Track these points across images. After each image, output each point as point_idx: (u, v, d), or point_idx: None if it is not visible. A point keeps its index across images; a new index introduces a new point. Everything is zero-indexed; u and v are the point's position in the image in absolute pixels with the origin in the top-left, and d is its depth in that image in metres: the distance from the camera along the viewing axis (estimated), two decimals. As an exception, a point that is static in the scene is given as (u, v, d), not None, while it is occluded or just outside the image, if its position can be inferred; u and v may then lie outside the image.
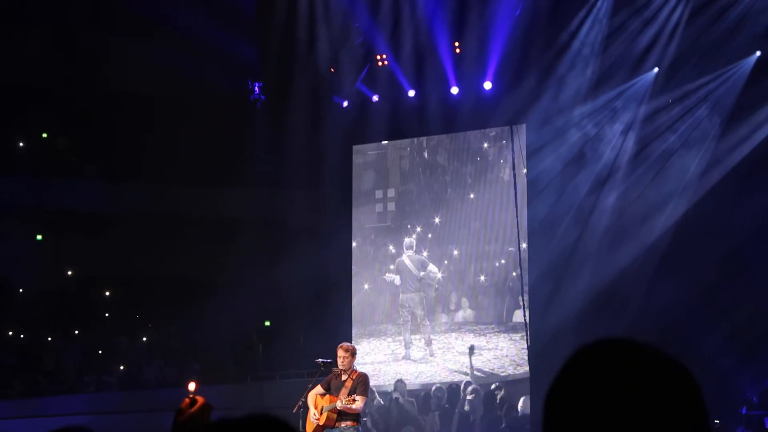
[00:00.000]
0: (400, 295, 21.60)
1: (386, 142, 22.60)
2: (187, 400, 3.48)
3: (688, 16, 19.76)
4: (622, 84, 20.33)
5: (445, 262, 21.40)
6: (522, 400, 19.99)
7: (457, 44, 21.66)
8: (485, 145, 21.55)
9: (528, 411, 19.88)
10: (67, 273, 31.55)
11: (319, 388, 14.14)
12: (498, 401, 20.20)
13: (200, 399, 3.53)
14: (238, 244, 26.39)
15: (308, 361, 16.63)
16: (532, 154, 20.72)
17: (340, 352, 14.10)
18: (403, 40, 22.05)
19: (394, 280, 21.72)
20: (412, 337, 21.43)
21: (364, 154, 22.83)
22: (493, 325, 20.84)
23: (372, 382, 21.18)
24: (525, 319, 20.07)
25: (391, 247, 22.01)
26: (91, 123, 30.33)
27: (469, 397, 20.43)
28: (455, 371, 20.85)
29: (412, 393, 21.00)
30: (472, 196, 21.41)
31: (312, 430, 13.95)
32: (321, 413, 13.83)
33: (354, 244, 22.44)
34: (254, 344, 27.03)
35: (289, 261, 23.24)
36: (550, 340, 19.48)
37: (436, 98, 21.94)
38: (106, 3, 28.75)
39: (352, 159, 22.83)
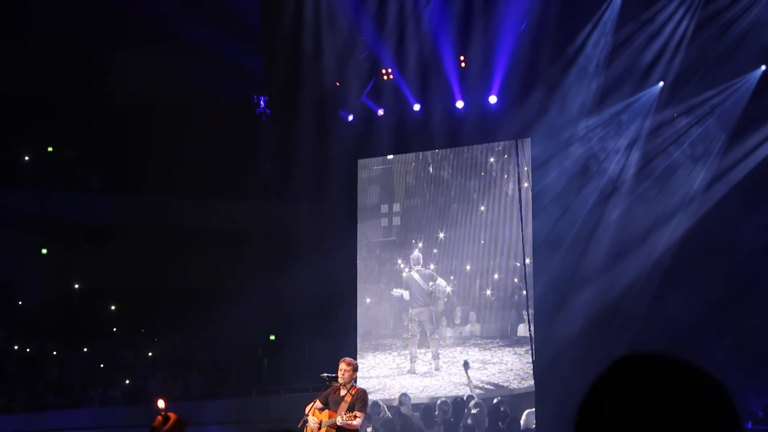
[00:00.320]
0: (410, 310, 21.59)
1: (391, 157, 22.60)
2: (159, 417, 3.43)
3: (694, 29, 19.75)
4: (627, 98, 20.32)
5: (451, 276, 21.39)
6: (525, 414, 19.97)
7: (462, 58, 21.66)
8: (490, 159, 21.54)
9: (530, 425, 19.84)
10: (72, 285, 31.56)
11: (317, 403, 14.09)
12: (502, 415, 20.18)
13: (172, 416, 3.49)
14: (243, 256, 26.41)
15: (313, 375, 16.59)
16: (537, 168, 20.70)
17: (342, 366, 14.07)
18: (408, 53, 22.06)
19: (402, 295, 21.72)
20: (418, 351, 21.42)
21: (369, 169, 22.83)
22: (497, 340, 20.82)
23: (377, 396, 21.22)
24: (530, 334, 20.05)
25: (399, 261, 21.98)
26: (96, 135, 30.38)
27: (473, 411, 20.41)
28: (460, 385, 20.83)
29: (417, 407, 20.99)
30: (477, 210, 21.39)
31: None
32: (320, 429, 13.79)
33: (359, 258, 22.43)
34: (259, 358, 27.02)
35: (294, 274, 23.23)
36: (554, 355, 19.47)
37: (442, 112, 21.94)
38: (112, 15, 28.79)
39: (357, 173, 22.83)
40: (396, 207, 22.43)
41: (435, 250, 21.64)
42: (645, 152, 20.24)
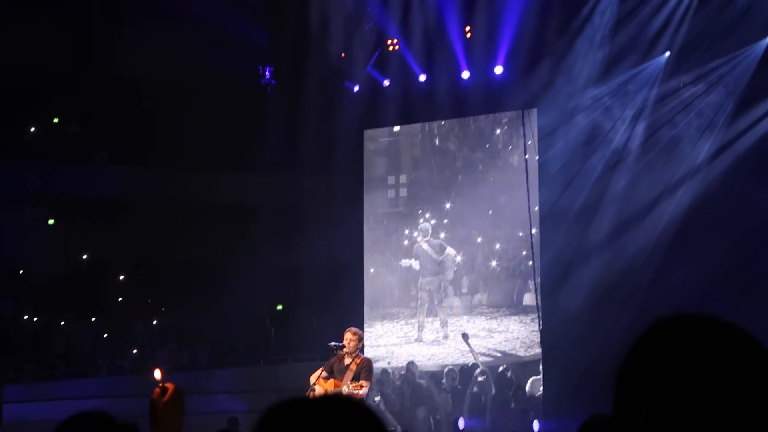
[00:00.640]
0: (420, 279, 21.71)
1: (398, 128, 22.63)
2: (157, 389, 3.45)
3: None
4: (633, 68, 20.30)
5: (457, 246, 21.47)
6: (531, 381, 20.12)
7: (468, 28, 21.65)
8: (496, 130, 21.57)
9: (536, 392, 19.99)
10: (79, 257, 31.64)
11: (322, 372, 14.13)
12: (508, 382, 20.33)
13: (170, 386, 3.51)
14: (249, 229, 26.45)
15: (320, 345, 16.67)
16: (543, 139, 20.72)
17: (348, 335, 14.13)
18: (413, 24, 22.04)
19: (411, 265, 21.81)
20: (426, 319, 21.54)
21: (375, 141, 22.87)
22: (503, 308, 20.95)
23: (384, 364, 21.36)
24: (537, 303, 20.15)
25: (406, 232, 22.07)
26: (101, 109, 30.36)
27: (479, 379, 20.55)
28: (467, 353, 20.96)
29: (425, 374, 21.13)
30: (483, 181, 21.46)
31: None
32: (326, 397, 13.86)
33: (366, 228, 22.50)
34: (267, 328, 27.13)
35: (301, 245, 23.30)
36: (560, 323, 19.58)
37: (447, 83, 21.93)
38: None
39: (363, 143, 22.86)
40: (402, 178, 22.49)
41: (442, 221, 21.71)
42: (651, 122, 20.24)
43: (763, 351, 1.89)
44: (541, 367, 20.09)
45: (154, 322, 29.78)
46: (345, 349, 14.03)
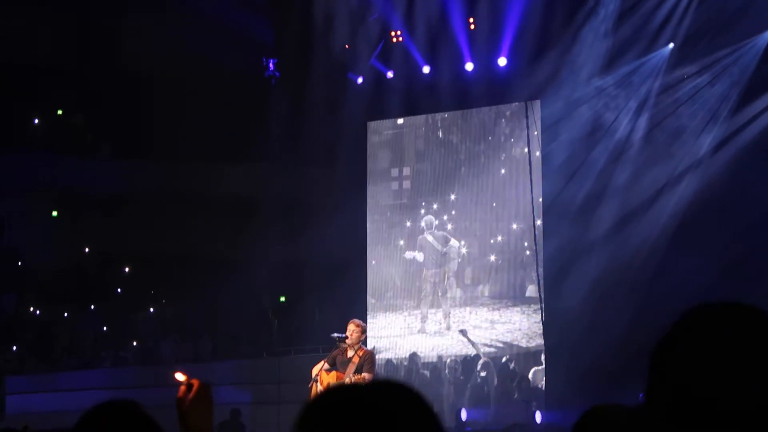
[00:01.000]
0: (424, 271, 21.72)
1: (401, 121, 22.63)
2: (182, 387, 3.42)
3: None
4: (637, 59, 20.28)
5: (460, 238, 21.49)
6: (533, 371, 20.15)
7: (471, 20, 21.63)
8: (499, 122, 21.58)
9: (537, 383, 20.01)
10: (83, 249, 31.68)
11: (324, 364, 14.10)
12: (511, 373, 20.37)
13: (195, 382, 3.48)
14: (252, 221, 26.46)
15: (323, 336, 16.65)
16: (546, 131, 20.72)
17: (351, 327, 14.06)
18: (417, 16, 22.02)
19: (415, 257, 21.82)
20: (429, 311, 21.57)
21: (379, 133, 22.88)
22: (506, 300, 20.97)
23: (388, 355, 21.38)
24: (540, 294, 20.16)
25: (403, 224, 22.09)
26: (106, 101, 30.38)
27: (482, 370, 20.58)
28: (469, 344, 20.99)
29: (427, 365, 21.15)
30: (486, 173, 21.46)
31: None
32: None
33: (369, 220, 22.51)
34: (270, 319, 27.13)
35: (304, 237, 23.30)
36: (563, 315, 19.59)
37: (451, 74, 21.93)
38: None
39: (366, 135, 22.86)
40: (406, 171, 22.50)
41: (446, 213, 21.72)
42: (654, 114, 20.23)
43: None
44: (543, 358, 20.11)
45: (157, 314, 29.80)
46: (348, 341, 13.97)
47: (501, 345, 20.76)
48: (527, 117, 20.90)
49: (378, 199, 22.59)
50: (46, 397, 25.17)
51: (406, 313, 21.86)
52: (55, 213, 31.57)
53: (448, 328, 21.33)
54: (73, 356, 27.99)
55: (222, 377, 23.84)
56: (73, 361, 27.68)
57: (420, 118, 22.51)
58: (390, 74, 22.69)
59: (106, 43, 29.59)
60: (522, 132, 21.05)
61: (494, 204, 21.35)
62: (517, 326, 20.68)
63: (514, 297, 20.91)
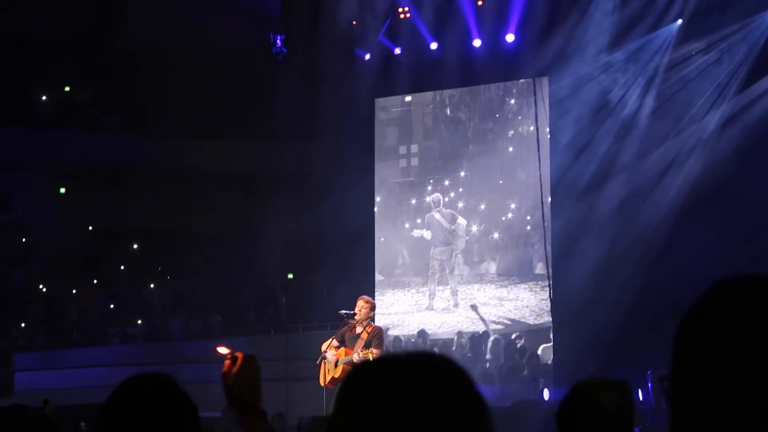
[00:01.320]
0: (432, 249, 21.72)
1: (409, 98, 22.58)
2: (227, 362, 3.36)
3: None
4: (645, 36, 20.21)
5: (468, 216, 21.48)
6: (541, 348, 20.18)
7: (479, -4, 21.58)
8: (507, 99, 21.54)
9: (546, 359, 20.05)
10: (90, 226, 31.72)
11: (333, 341, 14.13)
12: (519, 350, 20.40)
13: (240, 354, 3.42)
14: (260, 197, 26.48)
15: (331, 313, 16.70)
16: (554, 107, 20.67)
17: (360, 303, 14.10)
18: (425, -8, 21.98)
19: (423, 234, 21.83)
20: (437, 288, 21.60)
21: (387, 111, 22.85)
22: (514, 277, 20.99)
23: (396, 332, 21.42)
24: (548, 272, 20.16)
25: (411, 202, 22.09)
26: (113, 76, 30.39)
27: (490, 347, 20.64)
28: (477, 321, 21.03)
29: (436, 342, 21.19)
30: (494, 150, 21.45)
31: (328, 381, 14.01)
32: (336, 366, 13.87)
33: (377, 198, 22.51)
34: (277, 296, 27.18)
35: (312, 214, 23.31)
36: (571, 292, 19.58)
37: (459, 51, 21.87)
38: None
39: (374, 112, 22.83)
40: (414, 148, 22.49)
41: (453, 191, 21.71)
42: (662, 90, 20.17)
43: None
44: (551, 335, 20.13)
45: (165, 291, 29.86)
46: (357, 317, 14.01)
47: (509, 322, 20.79)
48: (535, 94, 20.86)
49: (385, 176, 22.59)
50: (55, 374, 25.26)
51: (414, 290, 21.89)
52: (63, 190, 31.60)
53: (456, 305, 21.36)
54: (81, 333, 28.06)
55: (230, 354, 23.87)
56: (81, 338, 27.76)
57: (428, 96, 22.47)
58: (397, 51, 22.65)
59: (113, 17, 29.57)
60: (530, 109, 21.01)
61: (502, 181, 21.34)
62: (525, 303, 20.71)
63: (521, 274, 20.93)
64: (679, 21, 19.94)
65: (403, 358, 1.88)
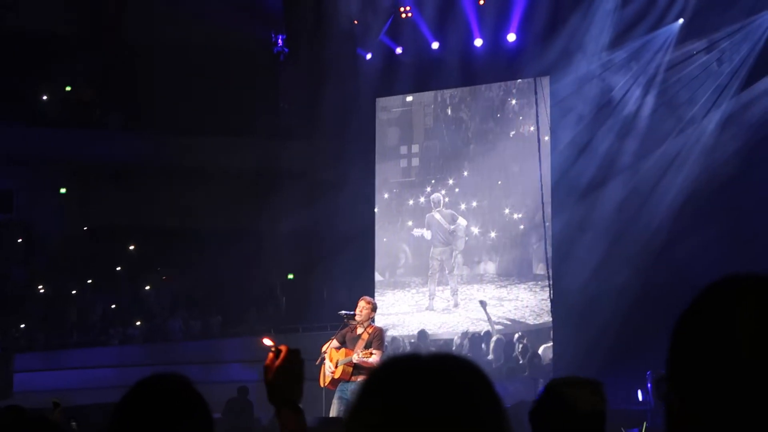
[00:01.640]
0: (432, 249, 21.72)
1: (410, 98, 22.57)
2: (270, 354, 3.30)
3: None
4: (645, 35, 20.20)
5: (469, 216, 21.47)
6: (542, 348, 20.17)
7: (480, -5, 21.57)
8: (508, 99, 21.52)
9: (547, 359, 20.04)
10: (91, 225, 31.69)
11: (334, 342, 14.10)
12: (520, 350, 20.40)
13: (284, 347, 3.37)
14: (261, 196, 26.45)
15: (331, 314, 16.67)
16: (555, 107, 20.65)
17: (361, 303, 14.05)
18: (426, -9, 21.99)
19: (423, 234, 21.82)
20: (437, 288, 21.59)
21: (388, 111, 22.83)
22: (513, 277, 20.99)
23: (396, 332, 21.39)
24: (548, 272, 20.15)
25: (411, 202, 22.08)
26: (114, 74, 30.38)
27: (491, 347, 20.62)
28: (477, 321, 21.03)
29: (436, 343, 21.17)
30: (495, 150, 21.43)
31: (328, 382, 13.97)
32: (336, 366, 13.82)
33: (378, 197, 22.50)
34: (277, 297, 27.16)
35: (313, 214, 23.29)
36: (571, 292, 19.57)
37: (460, 50, 21.87)
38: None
39: (375, 111, 22.82)
40: (415, 148, 22.48)
41: (454, 191, 21.70)
42: (663, 89, 20.16)
43: None
44: (551, 335, 20.13)
45: (165, 291, 29.83)
46: (357, 318, 13.96)
47: (509, 322, 20.78)
48: (536, 93, 20.85)
49: (386, 176, 22.58)
50: (55, 375, 25.22)
51: (414, 291, 21.89)
52: (63, 189, 31.58)
53: (456, 305, 21.35)
54: (81, 334, 28.04)
55: (230, 355, 23.89)
56: (81, 338, 27.73)
57: (429, 96, 22.46)
58: (399, 50, 22.65)
59: (115, 15, 29.57)
60: (531, 109, 20.99)
61: (502, 181, 21.33)
62: (525, 303, 20.70)
63: (521, 274, 20.92)
64: (680, 20, 19.92)
65: (424, 359, 1.88)
